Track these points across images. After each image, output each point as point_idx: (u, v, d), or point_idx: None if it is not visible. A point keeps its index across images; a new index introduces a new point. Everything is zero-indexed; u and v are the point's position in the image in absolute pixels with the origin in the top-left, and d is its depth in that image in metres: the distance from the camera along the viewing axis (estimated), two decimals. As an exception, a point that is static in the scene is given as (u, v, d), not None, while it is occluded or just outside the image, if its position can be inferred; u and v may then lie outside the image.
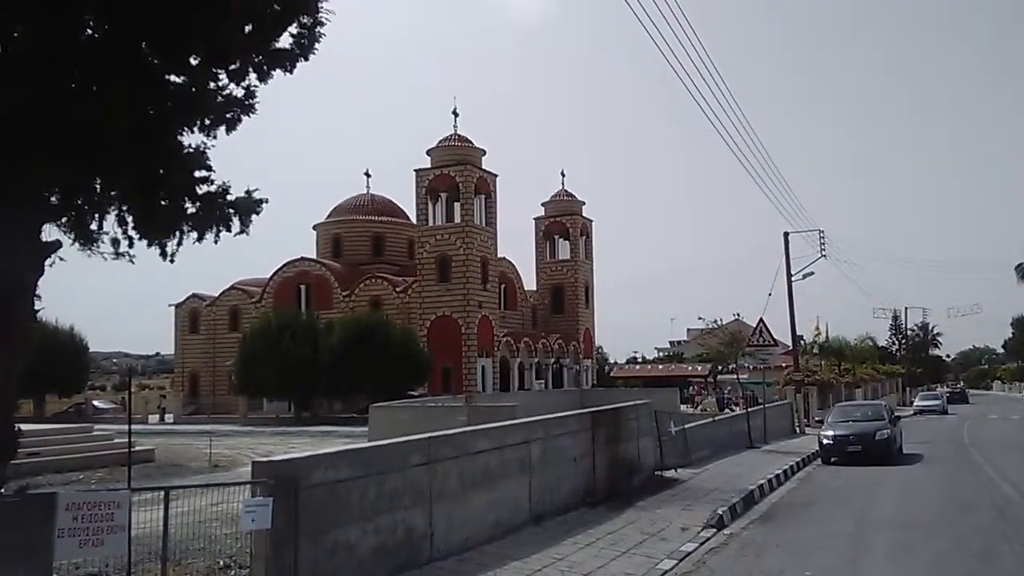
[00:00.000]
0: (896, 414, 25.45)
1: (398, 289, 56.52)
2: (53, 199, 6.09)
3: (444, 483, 9.40)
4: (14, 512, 5.42)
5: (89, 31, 5.92)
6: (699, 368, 71.36)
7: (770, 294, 32.72)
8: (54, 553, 5.56)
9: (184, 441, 27.95)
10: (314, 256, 62.74)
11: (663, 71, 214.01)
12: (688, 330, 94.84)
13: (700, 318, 32.95)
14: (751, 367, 32.39)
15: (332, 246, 63.86)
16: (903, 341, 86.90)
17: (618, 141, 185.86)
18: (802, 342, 43.48)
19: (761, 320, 27.99)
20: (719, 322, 47.47)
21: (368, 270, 59.86)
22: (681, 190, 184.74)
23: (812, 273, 35.52)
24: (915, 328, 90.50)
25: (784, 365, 38.98)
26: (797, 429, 30.09)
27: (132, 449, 9.81)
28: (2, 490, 5.96)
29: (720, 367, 61.63)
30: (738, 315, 51.54)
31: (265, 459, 7.59)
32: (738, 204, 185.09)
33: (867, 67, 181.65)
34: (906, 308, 78.81)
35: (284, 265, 60.34)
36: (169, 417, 50.14)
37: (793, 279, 34.45)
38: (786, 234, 35.10)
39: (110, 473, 17.58)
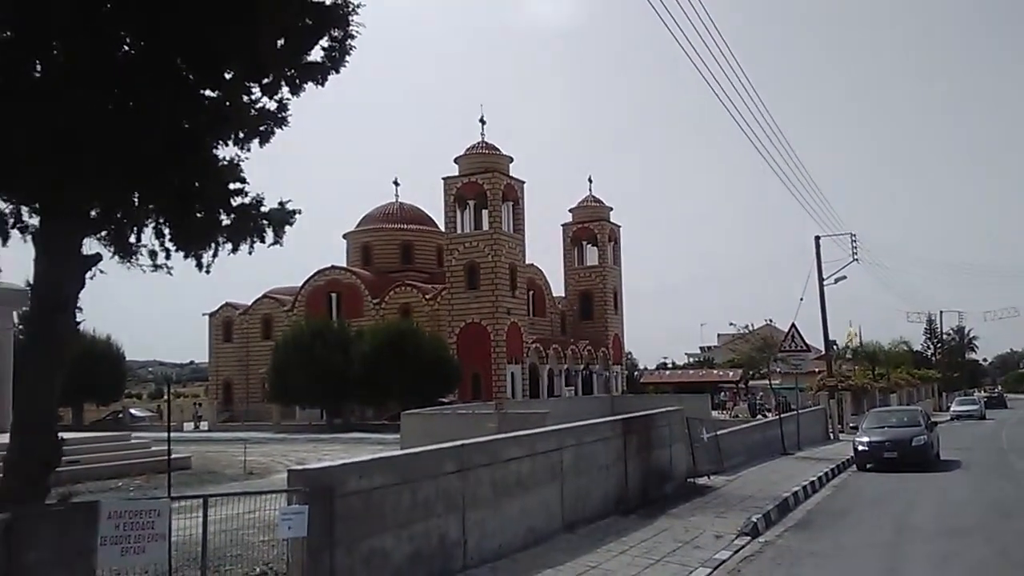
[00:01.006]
0: (933, 419, 25.04)
1: (427, 297, 56.77)
2: (93, 213, 6.22)
3: (477, 490, 9.43)
4: (59, 520, 5.53)
5: (126, 48, 6.04)
6: (730, 374, 70.85)
7: (802, 299, 32.40)
8: (97, 561, 5.65)
9: (219, 448, 28.27)
10: (344, 265, 63.21)
11: (691, 75, 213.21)
12: (719, 335, 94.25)
13: (731, 323, 33.00)
14: (783, 372, 32.08)
15: (362, 254, 64.33)
16: (939, 345, 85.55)
17: (646, 146, 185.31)
18: (835, 347, 42.89)
19: (793, 325, 27.74)
20: (750, 327, 46.90)
21: (398, 278, 60.20)
22: (711, 195, 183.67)
23: (844, 277, 35.13)
24: (951, 332, 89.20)
25: (817, 370, 38.54)
26: (831, 435, 29.72)
27: (168, 459, 9.96)
28: (47, 498, 6.07)
29: (752, 372, 61.35)
30: (770, 320, 51.22)
31: (300, 467, 7.67)
32: (768, 208, 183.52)
33: (900, 66, 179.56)
34: (941, 312, 77.69)
35: (315, 274, 60.87)
36: (204, 425, 50.72)
37: (825, 283, 34.07)
38: (817, 238, 34.76)
39: (148, 480, 17.85)
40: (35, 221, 6.06)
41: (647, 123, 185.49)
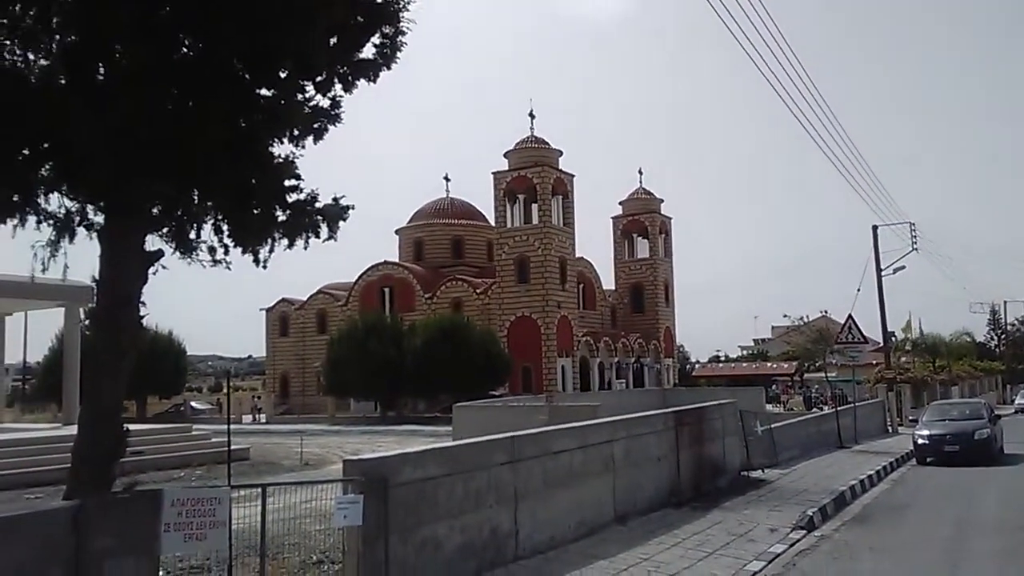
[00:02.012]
0: (996, 412, 24.34)
1: (478, 291, 57.04)
2: (155, 211, 6.42)
3: (528, 482, 9.49)
4: (125, 508, 5.73)
5: (185, 50, 6.22)
6: (785, 366, 69.75)
7: (859, 289, 31.76)
8: (161, 547, 5.84)
9: (276, 440, 28.86)
10: (397, 259, 63.88)
11: (744, 62, 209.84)
12: (773, 328, 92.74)
13: (785, 315, 32.47)
14: (840, 365, 31.46)
15: (414, 249, 64.90)
16: (1003, 336, 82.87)
17: (699, 137, 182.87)
18: (893, 338, 41.91)
19: (850, 316, 27.22)
20: (805, 319, 46.06)
21: (449, 272, 60.61)
22: (765, 185, 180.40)
23: (903, 267, 34.29)
24: (1016, 323, 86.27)
25: (875, 363, 37.74)
26: (889, 428, 29.11)
27: (228, 450, 10.23)
28: (113, 487, 6.29)
29: (807, 365, 60.27)
30: (825, 312, 50.13)
31: (355, 458, 7.81)
32: (825, 198, 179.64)
33: (959, 45, 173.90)
34: (1005, 302, 75.23)
35: (368, 269, 61.62)
36: (262, 417, 51.81)
37: (883, 274, 33.30)
38: (875, 227, 34.01)
39: (208, 471, 18.34)
40: (100, 219, 6.29)
41: (698, 113, 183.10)
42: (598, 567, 8.80)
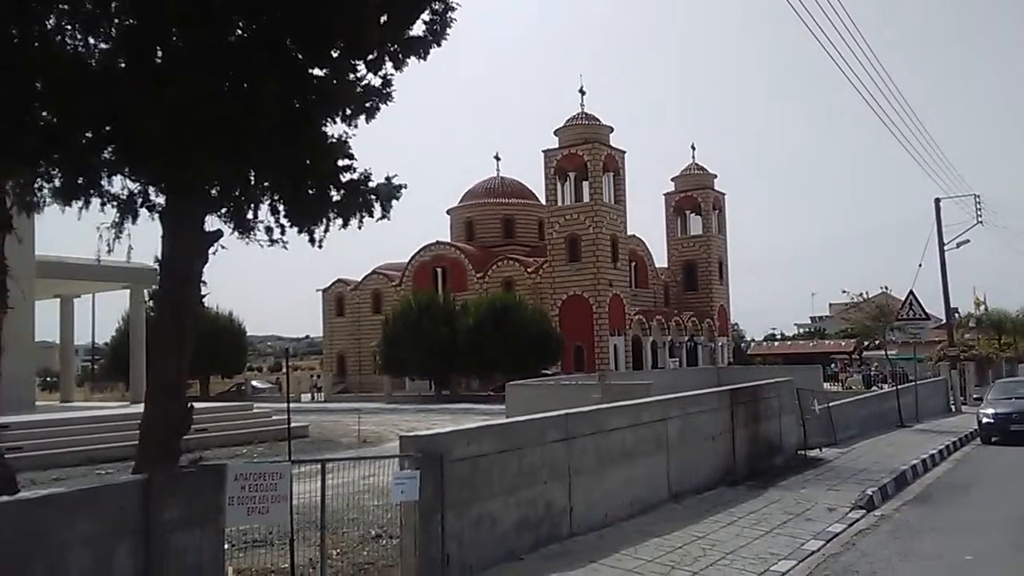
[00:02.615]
0: (1066, 390, 23.50)
1: (529, 270, 57.06)
2: (213, 192, 6.55)
3: (582, 459, 9.51)
4: (190, 482, 5.90)
5: (239, 32, 6.29)
6: (843, 344, 68.44)
7: (920, 265, 30.82)
8: (225, 519, 6.02)
9: (334, 418, 29.42)
10: (449, 240, 64.22)
11: (799, 30, 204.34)
12: (830, 305, 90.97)
13: (844, 291, 31.66)
14: (900, 342, 30.72)
15: (465, 229, 65.16)
16: (1074, 312, 79.83)
17: (751, 110, 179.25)
18: (957, 315, 40.70)
19: (911, 292, 26.52)
20: (865, 296, 45.10)
21: (500, 252, 60.72)
22: (822, 158, 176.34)
23: (967, 241, 33.14)
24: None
25: (937, 340, 36.76)
26: (952, 407, 28.38)
27: (288, 427, 10.47)
28: (178, 462, 6.48)
29: (866, 343, 58.95)
30: (885, 288, 48.95)
31: (411, 434, 7.91)
32: (885, 171, 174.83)
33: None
34: (1077, 276, 72.34)
35: (421, 249, 62.10)
36: (320, 396, 52.80)
37: (946, 248, 32.27)
38: (937, 200, 32.88)
39: (269, 448, 18.81)
40: (161, 200, 6.44)
41: (751, 86, 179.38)
42: (652, 544, 8.79)
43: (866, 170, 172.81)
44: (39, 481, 12.77)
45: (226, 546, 6.49)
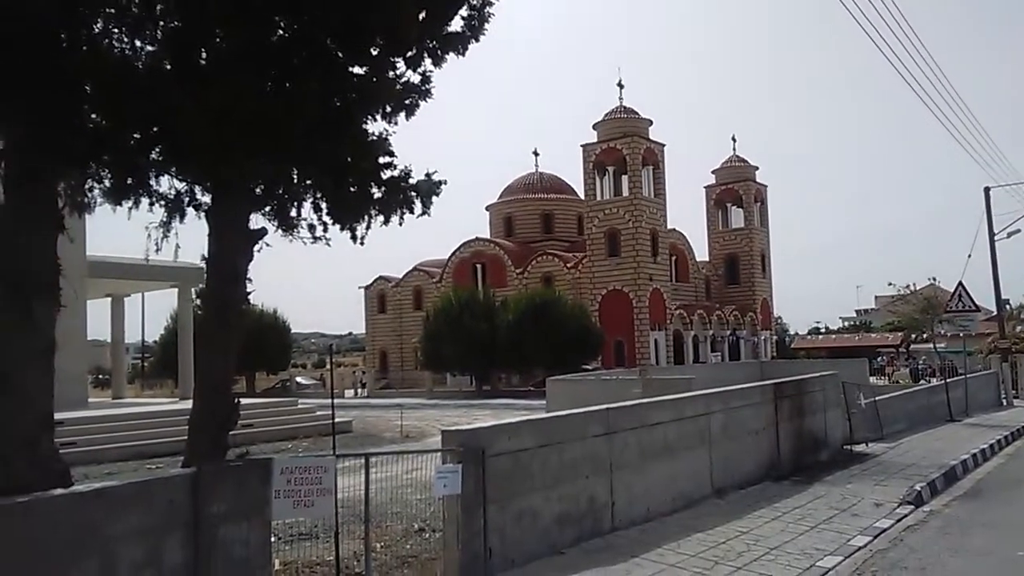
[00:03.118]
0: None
1: (568, 265, 56.96)
2: (257, 190, 6.67)
3: (623, 454, 9.47)
4: (237, 475, 6.00)
5: (280, 32, 6.38)
6: (889, 337, 67.15)
7: (970, 255, 30.08)
8: (271, 512, 6.12)
9: (377, 414, 29.70)
10: (488, 236, 64.37)
11: (840, 15, 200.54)
12: (876, 297, 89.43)
13: (890, 283, 31.05)
14: (949, 335, 30.06)
15: (504, 225, 65.25)
16: None
17: (793, 101, 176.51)
18: (1008, 306, 39.66)
19: (960, 283, 25.90)
20: (912, 287, 44.10)
21: (539, 247, 60.72)
22: (866, 148, 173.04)
23: (1018, 231, 32.26)
24: None
25: (987, 332, 35.90)
26: (1004, 401, 27.67)
27: (332, 422, 10.64)
28: (226, 455, 6.60)
29: (914, 336, 57.73)
30: (934, 279, 47.92)
31: (453, 428, 7.96)
32: (933, 159, 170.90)
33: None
34: None
35: (460, 246, 62.36)
36: (363, 391, 53.36)
37: (996, 238, 31.44)
38: (987, 189, 32.00)
39: (314, 443, 19.07)
40: (207, 199, 6.57)
41: (793, 74, 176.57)
42: (695, 539, 8.73)
43: (914, 159, 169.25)
44: (91, 475, 13.10)
45: (272, 539, 6.60)
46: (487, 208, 68.10)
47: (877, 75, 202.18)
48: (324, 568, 7.56)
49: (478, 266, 60.43)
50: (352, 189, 6.97)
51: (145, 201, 6.35)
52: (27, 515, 4.83)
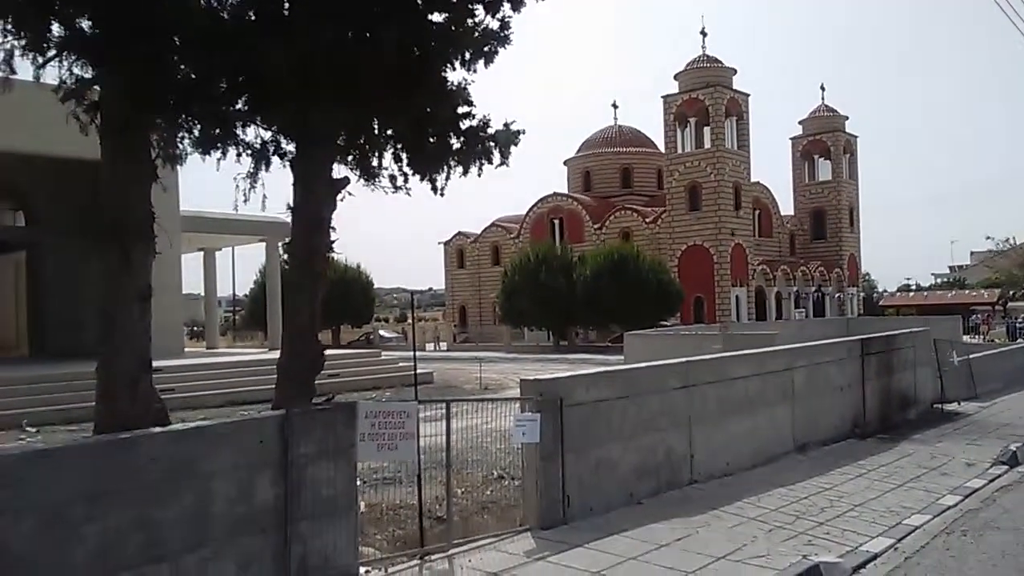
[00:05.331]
0: None
1: (647, 220, 56.22)
2: (340, 140, 6.75)
3: (702, 407, 9.40)
4: (324, 419, 6.20)
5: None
6: (985, 294, 64.28)
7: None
8: (357, 454, 6.31)
9: (456, 366, 30.17)
10: (566, 191, 63.98)
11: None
12: (972, 253, 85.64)
13: (988, 238, 29.75)
14: (1053, 292, 28.52)
15: (582, 180, 64.71)
16: None
17: (885, 47, 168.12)
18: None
19: (1066, 238, 24.53)
20: (1012, 242, 41.97)
21: (617, 202, 60.06)
22: (963, 94, 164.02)
23: None
24: None
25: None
26: (1111, 361, 26.23)
27: (415, 372, 10.90)
28: (314, 400, 6.81)
29: (1012, 292, 55.16)
30: (1036, 234, 45.33)
31: (532, 378, 8.02)
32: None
33: None
34: None
35: (538, 201, 62.21)
36: (443, 345, 54.32)
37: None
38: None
39: (396, 392, 19.51)
40: (291, 148, 6.70)
41: (882, 19, 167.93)
42: (777, 494, 8.64)
43: (1017, 107, 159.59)
44: (187, 419, 13.72)
45: (358, 483, 6.80)
46: (565, 163, 67.60)
47: (983, 18, 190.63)
48: (407, 511, 7.78)
49: (555, 221, 60.23)
50: (431, 139, 6.98)
51: (232, 151, 6.50)
52: (130, 449, 5.11)
